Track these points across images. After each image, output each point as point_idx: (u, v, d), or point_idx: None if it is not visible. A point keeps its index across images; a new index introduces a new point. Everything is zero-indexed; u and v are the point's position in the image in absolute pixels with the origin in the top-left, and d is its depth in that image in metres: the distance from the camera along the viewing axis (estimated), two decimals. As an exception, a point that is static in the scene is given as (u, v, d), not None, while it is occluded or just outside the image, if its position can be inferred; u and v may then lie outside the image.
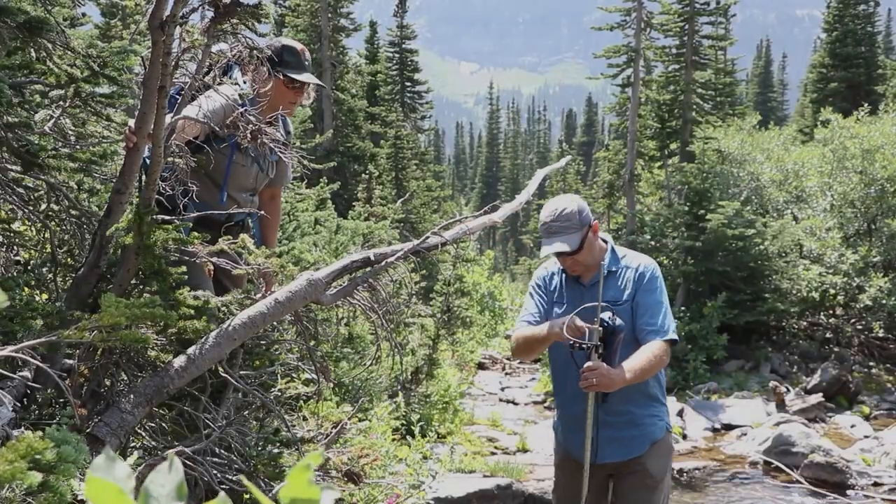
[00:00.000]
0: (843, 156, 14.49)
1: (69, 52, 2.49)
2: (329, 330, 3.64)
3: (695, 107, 20.14)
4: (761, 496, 7.46)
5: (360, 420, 5.11)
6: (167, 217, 2.45)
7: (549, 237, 2.84)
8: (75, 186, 2.85)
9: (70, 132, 2.75)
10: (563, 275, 3.01)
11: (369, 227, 9.15)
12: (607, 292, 2.86)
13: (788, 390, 11.70)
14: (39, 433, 1.58)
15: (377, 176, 17.56)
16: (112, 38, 5.53)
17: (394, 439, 5.71)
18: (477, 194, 57.40)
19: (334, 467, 2.83)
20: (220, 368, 2.49)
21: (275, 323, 2.74)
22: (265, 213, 3.22)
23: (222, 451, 2.55)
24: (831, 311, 14.46)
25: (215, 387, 2.62)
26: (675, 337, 2.82)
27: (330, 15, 19.91)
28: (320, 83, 3.16)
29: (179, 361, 2.32)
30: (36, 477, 1.43)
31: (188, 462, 2.22)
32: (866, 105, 16.98)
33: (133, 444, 2.52)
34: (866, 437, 9.34)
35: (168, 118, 2.38)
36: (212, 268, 2.51)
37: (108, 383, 2.45)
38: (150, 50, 2.16)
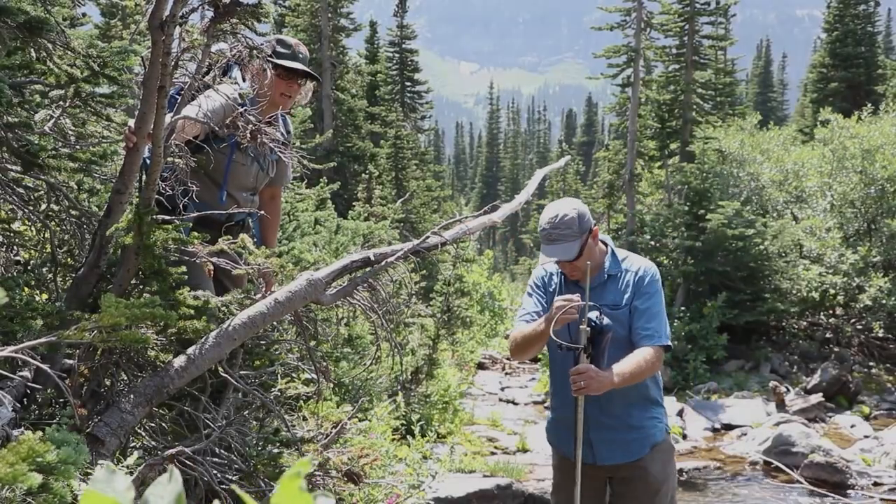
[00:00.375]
0: (842, 156, 14.49)
1: (69, 52, 2.49)
2: (329, 330, 3.64)
3: (695, 107, 20.14)
4: (761, 496, 7.46)
5: (360, 420, 5.11)
6: (167, 217, 2.45)
7: (548, 244, 2.82)
8: (75, 186, 2.85)
9: (70, 132, 2.75)
10: (563, 276, 3.00)
11: (369, 227, 9.15)
12: (607, 296, 2.85)
13: (788, 390, 11.70)
14: (39, 433, 1.58)
15: (377, 176, 17.55)
16: (112, 38, 5.53)
17: (394, 439, 5.71)
18: (477, 194, 57.39)
19: (334, 467, 2.83)
20: (220, 368, 2.49)
21: (275, 323, 2.74)
22: (265, 214, 3.22)
23: (222, 451, 2.55)
24: (831, 311, 14.46)
25: (215, 387, 2.61)
26: (669, 343, 2.81)
27: (330, 15, 19.90)
28: (309, 70, 3.10)
29: (179, 361, 2.32)
30: (36, 478, 1.43)
31: (188, 462, 2.22)
32: (869, 105, 16.98)
33: (133, 444, 2.52)
34: (866, 437, 9.34)
35: (168, 118, 2.38)
36: (212, 268, 2.51)
37: (108, 383, 2.45)
38: (149, 50, 2.16)
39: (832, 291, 13.53)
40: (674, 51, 20.30)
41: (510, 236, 51.58)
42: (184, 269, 2.44)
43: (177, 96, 2.57)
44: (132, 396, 2.23)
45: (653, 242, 15.97)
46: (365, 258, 2.86)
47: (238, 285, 2.96)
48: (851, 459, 8.15)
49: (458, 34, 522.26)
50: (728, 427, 10.19)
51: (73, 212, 2.81)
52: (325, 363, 3.10)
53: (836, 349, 13.70)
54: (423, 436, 6.30)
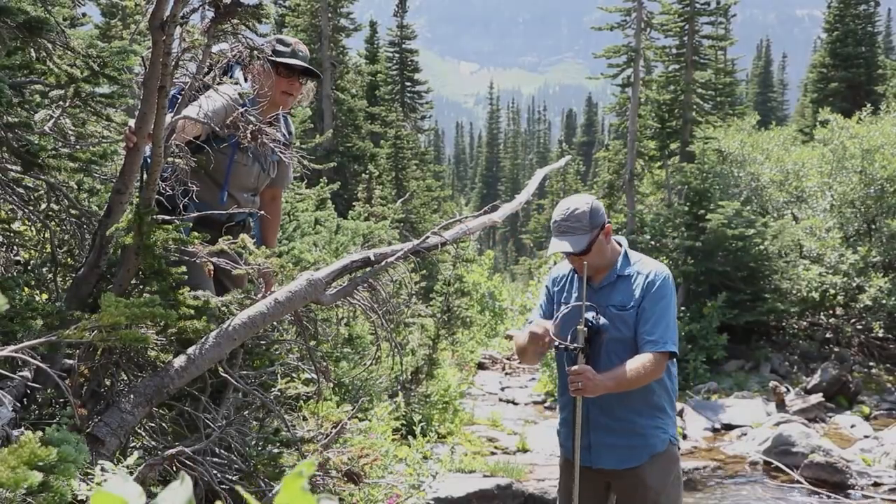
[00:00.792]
0: (842, 156, 14.49)
1: (69, 52, 2.49)
2: (329, 330, 3.64)
3: (695, 107, 20.14)
4: (761, 496, 7.46)
5: (360, 420, 5.11)
6: (167, 217, 2.45)
7: (557, 236, 2.81)
8: (75, 186, 2.85)
9: (70, 132, 2.75)
10: (574, 275, 2.98)
11: (369, 227, 9.15)
12: (616, 296, 2.83)
13: (788, 390, 11.70)
14: (39, 433, 1.58)
15: (377, 176, 17.55)
16: (112, 38, 5.53)
17: (394, 439, 5.71)
18: (477, 194, 57.38)
19: (334, 467, 2.83)
20: (220, 368, 2.49)
21: (275, 323, 2.74)
22: (266, 214, 3.22)
23: (222, 451, 2.55)
24: (831, 311, 14.46)
25: (215, 387, 2.62)
26: (675, 349, 2.75)
27: (330, 15, 19.90)
28: (309, 67, 3.09)
29: (179, 361, 2.32)
30: (36, 477, 1.44)
31: (188, 462, 2.22)
32: (869, 105, 16.98)
33: (133, 444, 2.52)
34: (866, 437, 9.34)
35: (168, 118, 2.38)
36: (212, 268, 2.51)
37: (108, 383, 2.45)
38: (150, 50, 2.16)
39: (832, 291, 13.53)
40: (674, 51, 20.30)
41: (510, 236, 51.57)
42: (184, 269, 2.44)
43: (178, 96, 2.57)
44: (132, 396, 2.23)
45: (653, 242, 15.97)
46: (365, 258, 2.86)
47: (238, 285, 2.96)
48: (851, 459, 8.15)
49: (458, 34, 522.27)
50: (728, 427, 10.19)
51: (73, 212, 2.81)
52: (325, 363, 3.10)
53: (836, 349, 13.70)
54: (423, 436, 6.30)
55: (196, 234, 2.51)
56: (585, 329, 2.66)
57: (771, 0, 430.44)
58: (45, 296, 2.78)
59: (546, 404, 11.24)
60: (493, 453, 7.62)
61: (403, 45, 26.21)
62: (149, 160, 2.36)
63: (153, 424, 2.63)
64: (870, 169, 13.88)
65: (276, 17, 19.90)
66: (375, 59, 24.04)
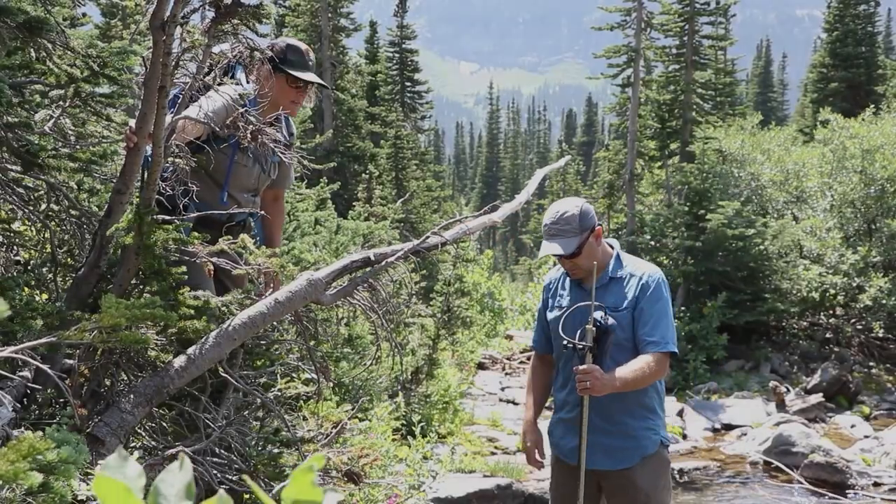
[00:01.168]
0: (842, 156, 14.49)
1: (69, 52, 2.49)
2: (329, 330, 3.64)
3: (695, 107, 20.15)
4: (761, 496, 7.46)
5: (360, 420, 5.11)
6: (167, 217, 2.45)
7: (548, 239, 2.85)
8: (75, 186, 2.85)
9: (70, 132, 2.75)
10: (568, 278, 3.01)
11: (369, 227, 9.15)
12: (608, 297, 2.85)
13: (788, 390, 11.71)
14: (39, 433, 1.58)
15: (377, 176, 17.54)
16: (112, 38, 5.53)
17: (394, 439, 5.71)
18: (477, 194, 57.37)
19: (334, 467, 2.83)
20: (220, 368, 2.49)
21: (275, 323, 2.74)
22: (269, 214, 3.23)
23: (222, 451, 2.55)
24: (831, 311, 14.46)
25: (215, 387, 2.61)
26: (675, 349, 2.78)
27: (330, 15, 19.90)
28: (323, 83, 3.16)
29: (179, 361, 2.33)
30: (36, 477, 1.44)
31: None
32: (872, 106, 16.98)
33: (133, 444, 2.52)
34: (866, 437, 9.34)
35: (168, 118, 2.38)
36: (212, 268, 2.51)
37: (108, 383, 2.45)
38: (150, 50, 2.16)
39: (832, 291, 13.54)
40: (674, 51, 20.31)
41: (510, 236, 51.57)
42: (184, 269, 2.44)
43: (178, 96, 2.57)
44: (132, 396, 2.23)
45: (653, 242, 15.98)
46: (365, 258, 2.86)
47: (238, 285, 2.96)
48: (851, 459, 8.15)
49: (458, 34, 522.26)
50: (728, 427, 10.20)
51: (73, 212, 2.81)
52: (325, 363, 3.10)
53: (836, 349, 13.70)
54: (423, 436, 6.30)
55: (196, 234, 2.51)
56: (594, 329, 2.67)
57: (771, 0, 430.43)
58: (45, 296, 2.78)
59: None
60: (493, 453, 7.62)
61: (403, 45, 26.21)
62: (149, 160, 2.36)
63: (153, 424, 2.63)
64: (870, 169, 13.88)
65: (276, 17, 19.90)
66: (375, 59, 24.03)
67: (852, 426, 9.91)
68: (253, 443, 2.71)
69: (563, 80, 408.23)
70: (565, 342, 2.70)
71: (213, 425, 2.50)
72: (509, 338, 16.73)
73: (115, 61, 2.52)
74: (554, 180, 36.40)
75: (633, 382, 2.67)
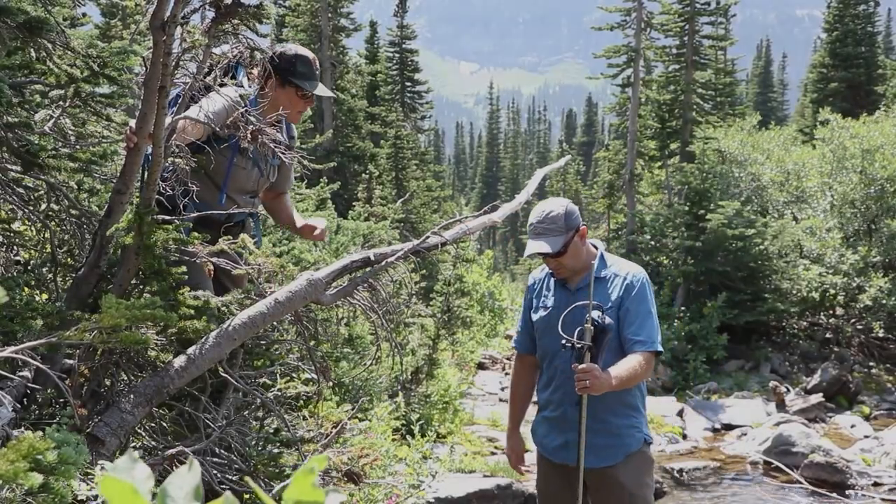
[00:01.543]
0: (842, 156, 14.50)
1: (69, 52, 2.49)
2: (329, 330, 3.64)
3: (695, 107, 20.14)
4: (761, 496, 7.46)
5: (360, 420, 5.11)
6: (167, 217, 2.45)
7: (533, 237, 2.88)
8: (75, 186, 2.85)
9: (70, 132, 2.75)
10: (552, 279, 3.03)
11: (369, 227, 9.15)
12: (593, 297, 2.87)
13: (788, 390, 11.71)
14: (39, 433, 1.58)
15: (377, 176, 17.54)
16: (112, 38, 5.53)
17: (394, 439, 5.71)
18: (477, 194, 57.34)
19: (334, 467, 2.83)
20: (220, 368, 2.49)
21: (275, 323, 2.74)
22: (275, 209, 3.28)
23: (222, 451, 2.55)
24: (831, 311, 14.47)
25: (215, 387, 2.62)
26: (661, 348, 2.82)
27: (330, 15, 19.90)
28: (333, 95, 3.19)
29: (179, 361, 2.33)
30: (36, 478, 1.44)
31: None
32: (882, 108, 16.99)
33: (133, 444, 2.52)
34: (866, 437, 9.34)
35: (168, 119, 2.37)
36: (212, 268, 2.51)
37: (108, 383, 2.45)
38: (150, 50, 2.16)
39: (832, 291, 13.54)
40: (674, 51, 20.30)
41: (510, 236, 51.55)
42: (184, 269, 2.44)
43: (179, 96, 2.57)
44: (132, 396, 2.23)
45: (653, 242, 15.98)
46: (365, 258, 2.86)
47: (238, 285, 2.96)
48: (851, 459, 8.15)
49: (458, 34, 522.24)
50: (728, 427, 10.20)
51: (73, 212, 2.81)
52: (325, 363, 3.10)
53: (836, 349, 13.71)
54: (423, 436, 6.30)
55: (196, 234, 2.51)
56: (592, 328, 2.68)
57: (771, 0, 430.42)
58: (45, 296, 2.78)
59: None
60: (493, 453, 7.62)
61: (403, 45, 26.20)
62: (149, 160, 2.36)
63: (153, 424, 2.63)
64: (870, 169, 13.88)
65: (276, 17, 19.89)
66: (375, 59, 24.02)
67: (852, 426, 9.92)
68: (253, 443, 2.71)
69: (563, 80, 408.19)
70: (564, 341, 2.70)
71: (213, 425, 2.50)
72: (509, 338, 16.72)
73: (115, 61, 2.52)
74: (554, 180, 36.39)
75: (626, 381, 2.70)
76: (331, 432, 2.91)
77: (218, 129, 2.56)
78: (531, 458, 3.22)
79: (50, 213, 2.80)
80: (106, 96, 2.63)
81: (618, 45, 20.40)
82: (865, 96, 23.89)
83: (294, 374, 3.10)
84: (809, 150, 16.20)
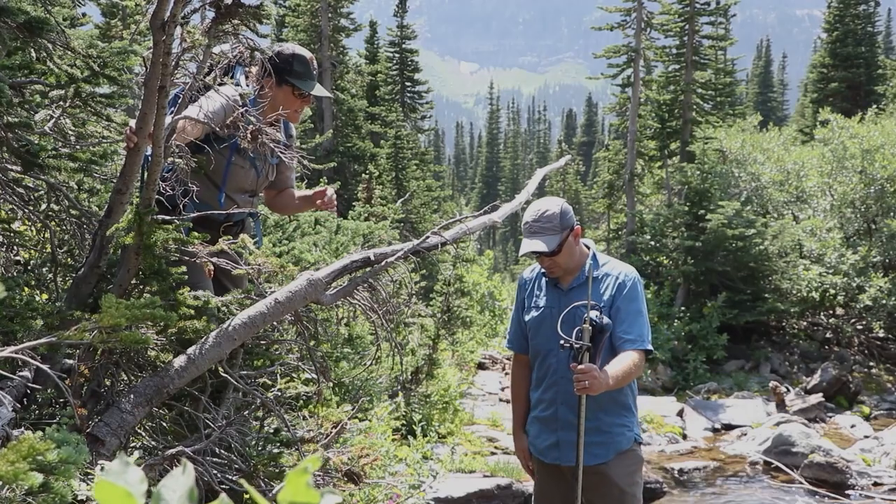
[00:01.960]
0: (842, 156, 14.50)
1: (69, 52, 2.49)
2: (329, 330, 3.64)
3: (695, 107, 20.14)
4: (761, 496, 7.46)
5: (360, 420, 5.11)
6: (167, 217, 2.45)
7: (529, 236, 2.88)
8: (75, 186, 2.85)
9: (70, 132, 2.75)
10: (544, 278, 3.04)
11: (369, 227, 9.14)
12: (584, 297, 2.87)
13: (788, 390, 11.71)
14: (39, 433, 1.58)
15: (377, 176, 17.54)
16: (112, 38, 5.53)
17: (394, 439, 5.71)
18: (477, 194, 57.34)
19: (334, 467, 2.83)
20: (220, 368, 2.49)
21: (275, 323, 2.74)
22: (277, 203, 3.28)
23: (222, 451, 2.55)
24: (831, 311, 14.47)
25: (215, 387, 2.62)
26: (651, 347, 2.83)
27: (330, 15, 19.90)
28: (329, 95, 3.18)
29: (179, 361, 2.33)
30: (36, 478, 1.44)
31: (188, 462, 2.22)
32: (874, 106, 16.99)
33: (133, 444, 2.52)
34: (866, 437, 9.34)
35: (168, 118, 2.37)
36: (212, 268, 2.51)
37: (108, 383, 2.45)
38: (150, 50, 2.16)
39: (832, 291, 13.54)
40: (674, 51, 20.30)
41: (510, 236, 51.56)
42: (184, 269, 2.44)
43: (179, 96, 2.57)
44: (132, 396, 2.23)
45: (653, 242, 15.97)
46: (365, 258, 2.86)
47: (238, 285, 2.96)
48: (851, 459, 8.15)
49: (458, 34, 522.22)
50: (728, 427, 10.20)
51: (73, 212, 2.81)
52: (325, 363, 3.10)
53: (836, 349, 13.71)
54: (423, 436, 6.30)
55: (196, 234, 2.51)
56: (590, 328, 2.68)
57: (771, 0, 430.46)
58: (45, 296, 2.78)
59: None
60: (493, 453, 7.62)
61: (403, 45, 26.19)
62: (149, 160, 2.36)
63: (153, 424, 2.63)
64: (870, 169, 13.88)
65: (276, 17, 19.89)
66: (375, 59, 24.01)
67: (852, 426, 9.92)
68: (253, 443, 2.71)
69: (563, 80, 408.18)
70: (562, 341, 2.71)
71: (213, 425, 2.50)
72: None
73: (115, 61, 2.52)
74: (554, 180, 36.38)
75: (622, 380, 2.71)
76: (331, 432, 2.91)
77: (217, 129, 2.55)
78: None
79: (50, 213, 2.81)
80: (106, 96, 2.63)
81: (618, 45, 20.40)
82: (865, 96, 23.88)
83: (294, 374, 3.10)
84: (809, 150, 16.20)
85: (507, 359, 15.27)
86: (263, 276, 2.71)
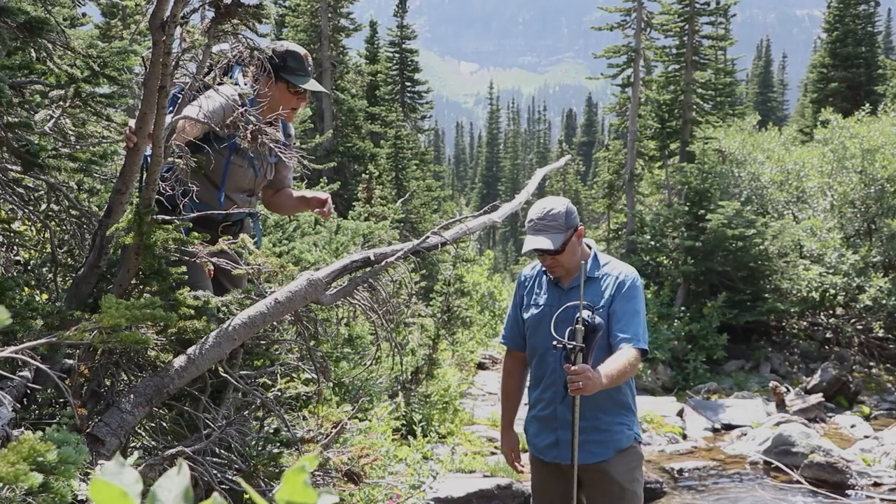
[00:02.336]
0: (843, 156, 14.51)
1: (69, 52, 2.49)
2: (329, 330, 3.64)
3: (695, 107, 20.14)
4: (761, 496, 7.46)
5: (360, 420, 5.11)
6: (167, 217, 2.45)
7: (533, 234, 2.89)
8: (75, 186, 2.85)
9: (70, 132, 2.75)
10: (544, 277, 3.03)
11: (369, 227, 9.14)
12: (585, 297, 2.87)
13: (788, 390, 11.71)
14: (39, 433, 1.58)
15: (377, 176, 17.54)
16: (112, 38, 5.53)
17: (394, 439, 5.71)
18: (477, 194, 57.34)
19: (334, 467, 2.83)
20: (220, 368, 2.49)
21: (275, 323, 2.74)
22: (276, 202, 3.27)
23: (222, 451, 2.55)
24: (831, 311, 14.47)
25: (215, 387, 2.62)
26: (647, 347, 2.83)
27: (330, 15, 19.90)
28: (324, 90, 3.17)
29: (179, 361, 2.33)
30: (36, 478, 1.44)
31: (188, 462, 2.22)
32: (868, 105, 16.99)
33: (133, 444, 2.52)
34: (866, 437, 9.34)
35: (168, 118, 2.37)
36: (212, 268, 2.51)
37: (108, 383, 2.45)
38: (150, 50, 2.16)
39: (832, 291, 13.54)
40: (674, 51, 20.30)
41: (510, 236, 51.55)
42: (184, 269, 2.44)
43: (178, 96, 2.57)
44: (132, 396, 2.23)
45: (653, 242, 15.97)
46: (365, 258, 2.86)
47: (237, 285, 2.96)
48: (851, 459, 8.15)
49: (458, 34, 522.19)
50: (728, 427, 10.20)
51: (73, 212, 2.81)
52: (325, 363, 3.10)
53: (836, 349, 13.71)
54: (423, 436, 6.30)
55: (196, 234, 2.51)
56: (583, 328, 2.68)
57: (771, 0, 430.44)
58: (45, 296, 2.78)
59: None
60: (493, 453, 7.62)
61: (403, 45, 26.19)
62: (149, 160, 2.36)
63: (153, 424, 2.63)
64: (870, 169, 13.89)
65: (276, 17, 19.89)
66: (375, 59, 24.01)
67: (852, 426, 9.92)
68: (253, 443, 2.71)
69: (563, 80, 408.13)
70: (555, 342, 2.71)
71: (212, 425, 2.50)
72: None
73: (115, 61, 2.52)
74: (554, 180, 36.38)
75: (616, 379, 2.70)
76: (331, 432, 2.91)
77: (216, 129, 2.55)
78: (527, 457, 3.22)
79: (50, 213, 2.80)
80: (106, 96, 2.63)
81: (618, 45, 20.40)
82: (865, 96, 23.88)
83: (294, 374, 3.10)
84: (809, 150, 16.20)
85: (507, 359, 15.25)
86: (263, 276, 2.71)
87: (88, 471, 1.92)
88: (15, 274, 2.73)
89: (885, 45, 35.11)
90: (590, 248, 3.03)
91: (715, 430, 10.14)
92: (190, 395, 2.53)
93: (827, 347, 13.97)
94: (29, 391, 2.24)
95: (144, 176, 2.45)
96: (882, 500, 7.19)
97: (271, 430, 2.88)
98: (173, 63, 2.20)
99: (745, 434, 9.61)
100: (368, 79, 22.60)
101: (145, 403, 2.24)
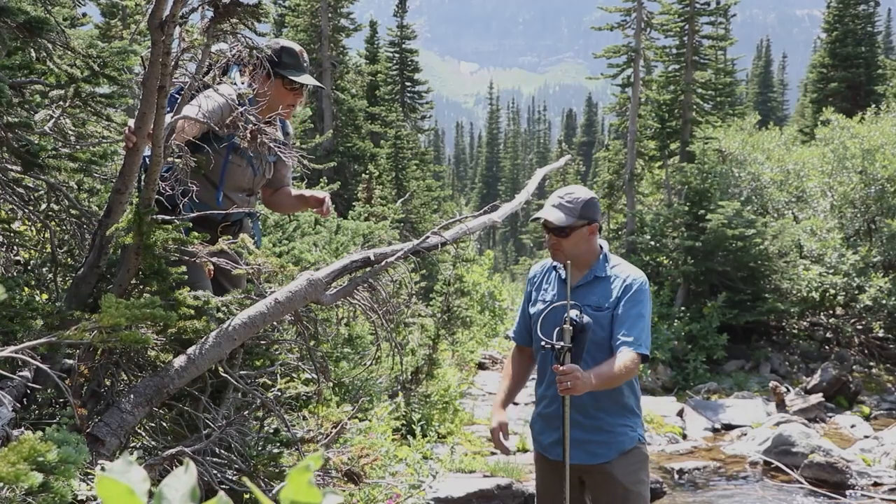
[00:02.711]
0: (843, 156, 14.51)
1: (69, 52, 2.49)
2: (329, 330, 3.64)
3: (695, 107, 20.13)
4: (761, 496, 7.46)
5: (360, 420, 5.11)
6: (167, 217, 2.45)
7: (547, 207, 2.91)
8: (75, 186, 2.85)
9: (70, 132, 2.75)
10: (554, 273, 3.04)
11: (369, 227, 9.14)
12: (591, 297, 2.88)
13: (788, 390, 11.71)
14: (39, 433, 1.58)
15: (377, 176, 17.54)
16: (112, 38, 5.53)
17: (394, 439, 5.71)
18: (477, 194, 57.34)
19: (334, 467, 2.83)
20: (220, 368, 2.49)
21: (275, 323, 2.74)
22: (275, 200, 3.27)
23: (222, 451, 2.55)
24: (831, 311, 14.47)
25: (215, 387, 2.62)
26: (648, 352, 2.82)
27: (330, 15, 19.90)
28: (319, 84, 3.17)
29: (179, 361, 2.33)
30: (37, 477, 1.44)
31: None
32: (873, 106, 16.99)
33: (133, 444, 2.52)
34: (866, 437, 9.34)
35: (168, 118, 2.37)
36: (211, 268, 2.51)
37: (108, 383, 2.45)
38: (149, 50, 2.16)
39: (832, 291, 13.54)
40: (674, 51, 20.28)
41: (510, 236, 51.56)
42: (184, 269, 2.44)
43: (177, 96, 2.57)
44: (132, 396, 2.23)
45: (653, 242, 15.97)
46: (365, 258, 2.86)
47: (237, 285, 2.96)
48: (851, 459, 8.15)
49: (458, 34, 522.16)
50: (728, 427, 10.20)
51: (73, 212, 2.81)
52: (325, 363, 3.10)
53: (836, 349, 13.71)
54: (423, 436, 6.30)
55: (196, 234, 2.51)
56: (571, 328, 2.67)
57: (771, 0, 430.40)
58: (45, 296, 2.78)
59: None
60: (493, 453, 7.61)
61: (403, 45, 26.18)
62: (149, 160, 2.36)
63: (153, 424, 2.63)
64: (870, 169, 13.89)
65: (275, 17, 19.89)
66: (375, 59, 24.01)
67: (852, 426, 9.92)
68: (253, 443, 2.71)
69: (563, 80, 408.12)
70: (543, 343, 2.71)
71: (213, 425, 2.50)
72: (509, 338, 16.70)
73: (114, 61, 2.52)
74: (554, 180, 36.36)
75: (607, 381, 2.70)
76: (331, 432, 2.91)
77: (216, 128, 2.55)
78: (528, 457, 3.23)
79: (50, 213, 2.81)
80: (106, 96, 2.63)
81: (618, 45, 20.39)
82: (865, 96, 23.88)
83: (294, 374, 3.10)
84: (810, 150, 16.20)
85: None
86: (263, 276, 2.71)
87: (88, 471, 1.92)
88: (15, 274, 2.73)
89: (885, 45, 35.11)
90: (601, 248, 3.02)
91: (715, 430, 10.14)
92: (190, 395, 2.53)
93: (827, 347, 13.97)
94: (29, 391, 2.24)
95: (144, 176, 2.45)
96: (882, 500, 7.19)
97: (271, 430, 2.88)
98: (172, 63, 2.20)
99: (745, 434, 9.61)
100: (368, 79, 22.60)
101: (145, 403, 2.24)
